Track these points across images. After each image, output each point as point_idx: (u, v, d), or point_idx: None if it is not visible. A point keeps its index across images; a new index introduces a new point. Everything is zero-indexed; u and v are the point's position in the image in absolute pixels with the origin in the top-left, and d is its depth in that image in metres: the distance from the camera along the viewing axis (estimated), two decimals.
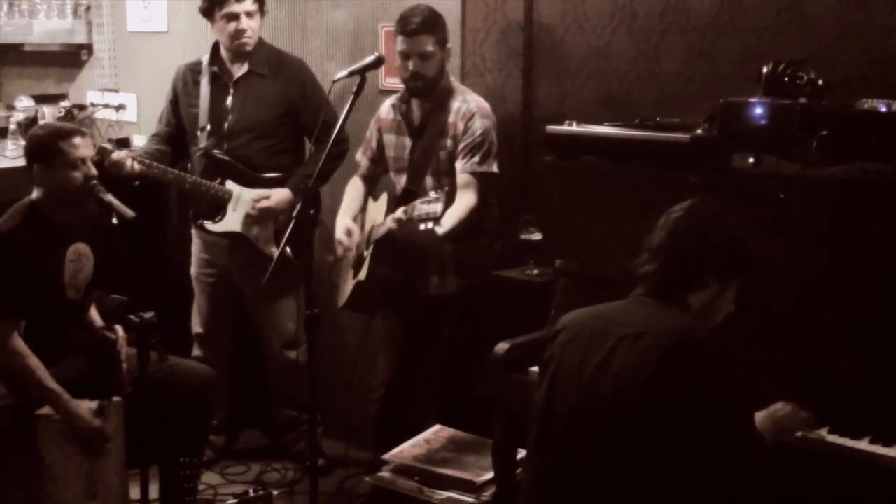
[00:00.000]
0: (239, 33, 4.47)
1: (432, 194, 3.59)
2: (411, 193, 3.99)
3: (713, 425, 2.49)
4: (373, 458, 4.16)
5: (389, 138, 4.17)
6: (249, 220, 4.51)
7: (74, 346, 3.96)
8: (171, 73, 4.73)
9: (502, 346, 3.44)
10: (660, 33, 3.83)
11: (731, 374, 2.53)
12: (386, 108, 4.21)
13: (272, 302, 4.63)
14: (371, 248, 4.03)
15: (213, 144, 4.54)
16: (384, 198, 4.18)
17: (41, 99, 5.97)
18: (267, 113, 4.55)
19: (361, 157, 4.31)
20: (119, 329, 3.94)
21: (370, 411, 4.35)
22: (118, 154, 4.43)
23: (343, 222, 4.16)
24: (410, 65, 3.97)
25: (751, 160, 3.03)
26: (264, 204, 4.47)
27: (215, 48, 4.62)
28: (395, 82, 4.50)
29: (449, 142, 4.00)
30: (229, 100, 4.57)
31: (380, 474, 3.78)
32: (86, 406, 3.76)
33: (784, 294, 3.00)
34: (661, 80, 3.85)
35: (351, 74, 3.81)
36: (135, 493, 3.81)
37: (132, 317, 3.50)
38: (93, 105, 5.88)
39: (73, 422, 3.72)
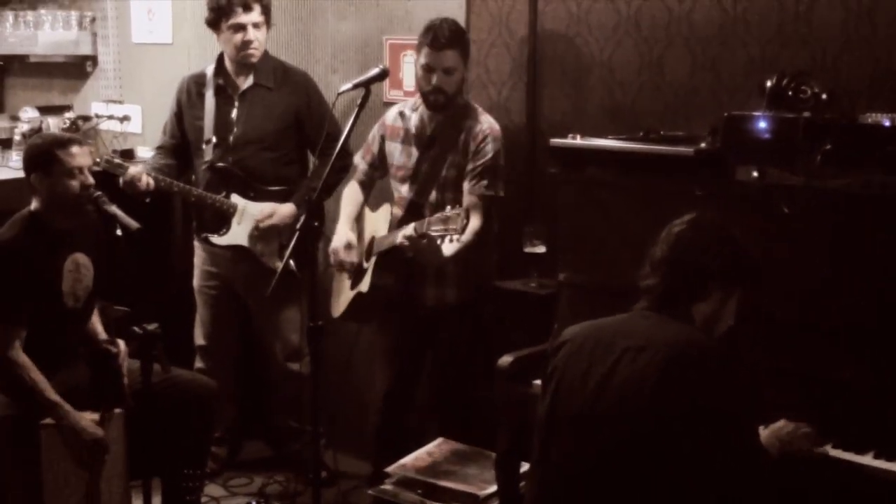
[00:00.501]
0: (245, 44, 4.47)
1: (448, 209, 3.56)
2: (416, 205, 3.99)
3: (717, 434, 2.49)
4: (373, 470, 4.16)
5: (394, 146, 4.16)
6: (254, 235, 4.51)
7: (75, 355, 3.97)
8: (175, 84, 4.74)
9: (506, 359, 3.43)
10: (664, 45, 3.83)
11: (735, 382, 2.54)
12: (393, 115, 4.19)
13: (275, 313, 4.62)
14: (373, 259, 4.03)
15: (218, 157, 4.54)
16: (385, 208, 4.18)
17: (46, 110, 5.98)
18: (273, 125, 4.55)
19: (360, 161, 4.30)
20: (121, 343, 3.95)
21: (370, 423, 4.34)
22: (134, 171, 4.44)
23: (343, 233, 4.15)
24: (434, 78, 3.93)
25: (755, 173, 3.04)
26: (268, 223, 4.47)
27: (220, 60, 4.62)
28: (398, 95, 4.51)
29: (459, 158, 3.99)
30: (234, 112, 4.57)
31: (382, 486, 3.78)
32: (87, 417, 3.76)
33: (788, 305, 3.00)
34: (666, 92, 3.85)
35: (355, 87, 3.80)
36: None
37: (135, 328, 3.50)
38: (97, 116, 5.89)
39: (75, 434, 3.72)
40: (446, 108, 4.00)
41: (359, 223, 4.26)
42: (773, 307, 2.99)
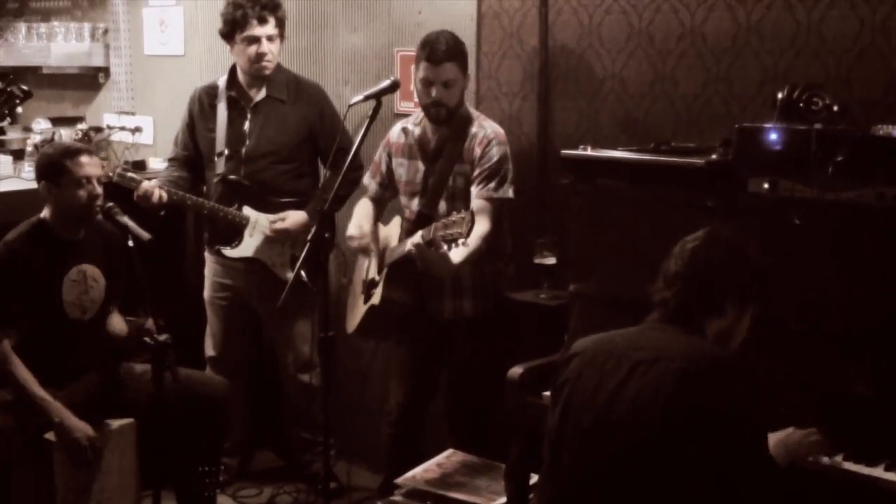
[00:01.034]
0: (259, 56, 4.48)
1: (454, 215, 3.55)
2: (425, 217, 3.99)
3: (727, 440, 2.47)
4: (385, 482, 4.15)
5: (401, 162, 4.15)
6: (266, 244, 4.51)
7: (85, 368, 3.98)
8: (187, 96, 4.74)
9: (516, 370, 3.43)
10: (676, 57, 3.83)
11: (748, 391, 2.52)
12: (396, 132, 4.19)
13: (287, 325, 4.63)
14: (385, 272, 4.03)
15: (230, 169, 4.55)
16: (396, 221, 4.18)
17: (58, 121, 6.00)
18: (287, 138, 4.55)
19: (370, 181, 4.29)
20: (149, 321, 3.88)
21: (383, 435, 4.34)
22: (147, 185, 4.45)
23: (356, 222, 4.14)
24: (433, 92, 3.93)
25: (766, 185, 3.03)
26: (280, 225, 4.48)
27: (232, 72, 4.63)
28: (409, 106, 4.51)
29: (466, 167, 3.99)
30: (247, 124, 4.57)
31: (392, 498, 3.77)
32: (82, 423, 3.78)
33: (800, 317, 2.99)
34: (678, 104, 3.84)
35: (367, 98, 3.81)
36: None
37: (147, 339, 3.51)
38: (109, 128, 5.92)
39: (66, 432, 3.74)
40: (449, 121, 3.99)
41: (372, 237, 4.25)
42: (784, 318, 2.98)
